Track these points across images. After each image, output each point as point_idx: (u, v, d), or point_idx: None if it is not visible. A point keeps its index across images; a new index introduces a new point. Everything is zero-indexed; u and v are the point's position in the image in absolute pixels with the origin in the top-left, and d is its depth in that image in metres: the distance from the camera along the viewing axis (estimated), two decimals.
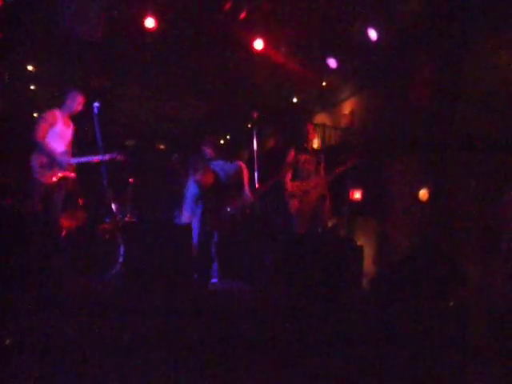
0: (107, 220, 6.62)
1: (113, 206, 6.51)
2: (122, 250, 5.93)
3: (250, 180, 5.91)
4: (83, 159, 5.76)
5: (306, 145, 6.46)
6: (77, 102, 5.67)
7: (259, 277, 5.69)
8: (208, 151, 6.26)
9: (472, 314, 4.23)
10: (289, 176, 6.35)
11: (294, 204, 6.29)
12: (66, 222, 6.56)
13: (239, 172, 6.06)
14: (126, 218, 6.51)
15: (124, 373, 3.32)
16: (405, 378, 3.60)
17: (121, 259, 5.90)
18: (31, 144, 5.51)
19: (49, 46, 7.04)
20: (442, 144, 6.22)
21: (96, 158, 5.74)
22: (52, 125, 5.56)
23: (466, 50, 5.99)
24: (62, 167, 5.57)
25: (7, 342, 3.47)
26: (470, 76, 5.93)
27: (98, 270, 6.00)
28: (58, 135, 5.61)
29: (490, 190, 5.67)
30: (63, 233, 6.11)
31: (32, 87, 8.17)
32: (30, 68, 7.77)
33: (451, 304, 4.18)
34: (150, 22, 6.74)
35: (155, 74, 8.16)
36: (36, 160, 5.50)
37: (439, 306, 4.15)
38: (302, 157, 6.38)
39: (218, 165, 6.04)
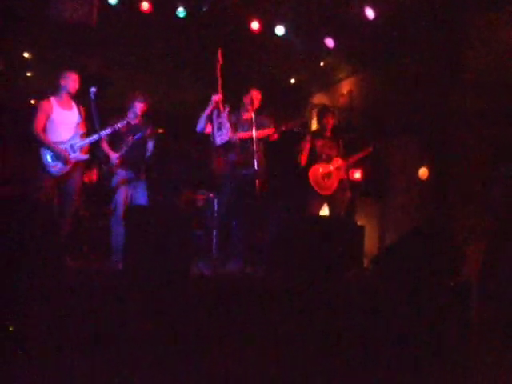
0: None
1: None
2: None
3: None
4: (103, 133, 5.49)
5: (323, 132, 6.48)
6: (70, 80, 5.48)
7: (258, 258, 5.71)
8: (139, 106, 5.85)
9: (473, 293, 4.26)
10: (303, 157, 6.36)
11: (315, 186, 6.31)
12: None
13: None
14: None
15: (123, 361, 3.35)
16: (405, 359, 3.64)
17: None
18: (31, 137, 5.36)
19: (44, 32, 6.98)
20: (440, 122, 6.21)
21: (115, 127, 5.52)
22: (48, 114, 5.41)
23: (465, 30, 5.95)
24: (69, 155, 5.41)
25: (9, 329, 3.50)
26: (469, 55, 5.90)
27: (101, 255, 6.04)
28: (59, 123, 5.47)
29: (489, 167, 5.68)
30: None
31: (28, 74, 8.13)
32: (25, 55, 7.72)
33: (452, 283, 4.20)
34: (145, 5, 6.72)
35: (152, 58, 8.11)
36: (44, 153, 5.37)
37: (440, 285, 4.17)
38: (319, 141, 6.41)
39: None
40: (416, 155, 6.74)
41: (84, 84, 5.57)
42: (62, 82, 5.51)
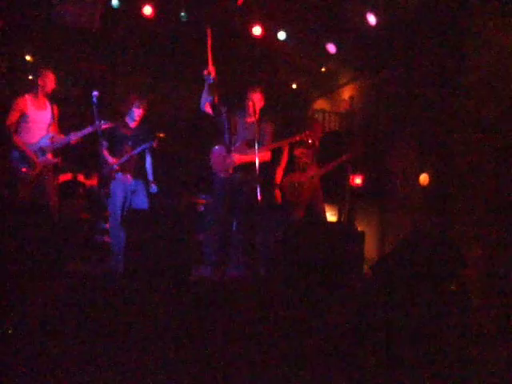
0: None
1: None
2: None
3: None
4: (72, 137, 5.51)
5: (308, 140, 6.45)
6: (48, 79, 5.46)
7: (259, 263, 5.70)
8: (137, 112, 5.82)
9: (474, 297, 4.26)
10: (280, 169, 6.36)
11: (288, 195, 6.34)
12: (67, 210, 6.57)
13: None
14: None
15: (123, 364, 3.35)
16: (406, 363, 3.63)
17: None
18: (2, 135, 5.34)
19: (47, 35, 7.00)
20: (441, 128, 6.21)
21: (85, 132, 5.50)
22: (23, 112, 5.36)
23: (467, 35, 5.95)
24: (36, 159, 5.38)
25: (9, 331, 3.49)
26: (471, 60, 5.90)
27: (99, 258, 6.03)
28: (32, 121, 5.42)
29: (491, 172, 5.68)
30: (63, 220, 6.12)
31: (30, 77, 8.15)
32: (27, 58, 7.73)
33: (452, 288, 4.19)
34: (147, 10, 6.74)
35: (154, 61, 8.13)
36: (16, 152, 5.35)
37: (441, 290, 4.17)
38: (298, 150, 6.45)
39: None
40: (417, 161, 6.74)
41: (86, 88, 5.58)
42: (40, 81, 5.47)
